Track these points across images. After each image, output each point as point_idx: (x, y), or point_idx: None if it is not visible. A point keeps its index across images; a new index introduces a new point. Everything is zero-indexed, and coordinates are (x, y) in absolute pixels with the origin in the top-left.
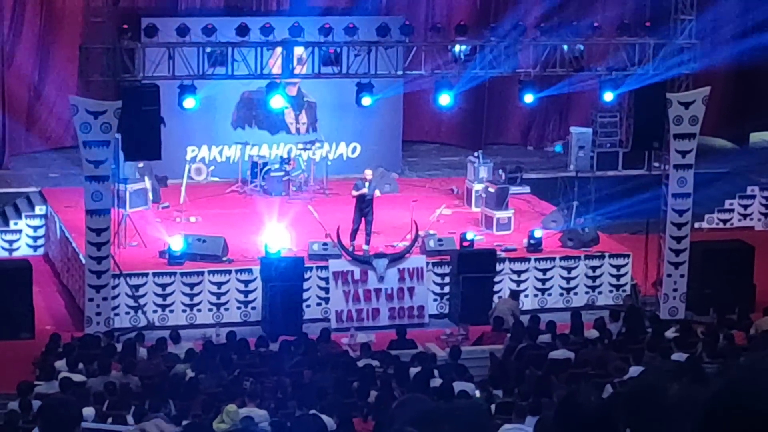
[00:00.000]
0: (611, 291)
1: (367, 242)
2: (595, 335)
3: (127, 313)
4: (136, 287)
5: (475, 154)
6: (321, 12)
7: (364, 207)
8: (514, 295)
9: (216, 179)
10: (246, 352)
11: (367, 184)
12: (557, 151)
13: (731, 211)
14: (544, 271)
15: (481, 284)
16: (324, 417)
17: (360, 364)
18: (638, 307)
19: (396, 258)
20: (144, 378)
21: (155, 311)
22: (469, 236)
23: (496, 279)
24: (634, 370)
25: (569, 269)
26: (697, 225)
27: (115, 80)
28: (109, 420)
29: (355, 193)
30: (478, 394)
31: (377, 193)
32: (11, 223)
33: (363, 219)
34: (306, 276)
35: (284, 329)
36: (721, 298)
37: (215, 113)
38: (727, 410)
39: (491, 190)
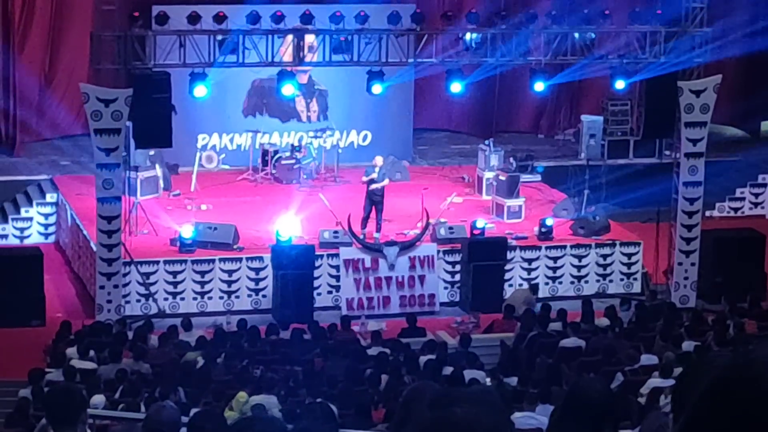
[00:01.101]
0: (622, 279)
1: (378, 230)
2: (605, 323)
3: (138, 300)
4: (147, 275)
5: (486, 142)
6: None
7: (374, 195)
8: (533, 288)
9: (227, 167)
10: (257, 339)
11: (377, 169)
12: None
13: (742, 199)
14: (555, 259)
15: (492, 272)
16: (332, 406)
17: (371, 352)
18: (658, 301)
19: (407, 246)
20: (155, 365)
21: (166, 299)
22: (479, 224)
23: (507, 267)
24: (646, 359)
25: (580, 257)
26: (708, 213)
27: (126, 68)
28: (121, 407)
29: (365, 178)
30: (488, 381)
31: (386, 181)
32: (22, 210)
33: (373, 207)
34: (317, 264)
35: (295, 317)
36: (732, 287)
37: (226, 101)
38: (723, 397)
39: (502, 178)
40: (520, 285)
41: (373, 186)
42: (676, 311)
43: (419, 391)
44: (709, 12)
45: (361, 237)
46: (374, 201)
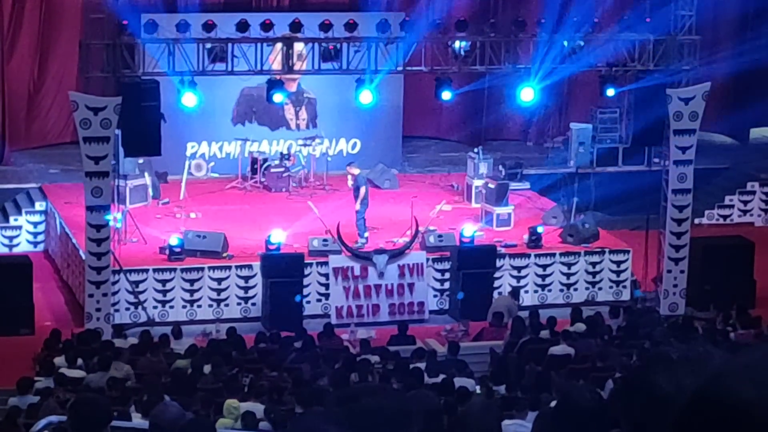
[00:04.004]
0: (611, 287)
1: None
2: (582, 329)
3: (127, 309)
4: (136, 283)
5: (475, 149)
6: (321, 8)
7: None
8: (514, 293)
9: (216, 175)
10: (245, 347)
11: (349, 177)
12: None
13: (731, 206)
14: (544, 267)
15: (481, 280)
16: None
17: (359, 360)
18: (642, 307)
19: (396, 254)
20: (143, 374)
21: (155, 307)
22: (468, 232)
23: (496, 275)
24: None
25: (569, 265)
26: (697, 221)
27: (115, 76)
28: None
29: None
30: (478, 389)
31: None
32: (11, 219)
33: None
34: (306, 272)
35: (284, 325)
36: (721, 294)
37: (215, 109)
38: (708, 407)
39: (491, 185)
40: (500, 293)
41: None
42: (665, 318)
43: (415, 400)
44: (698, 19)
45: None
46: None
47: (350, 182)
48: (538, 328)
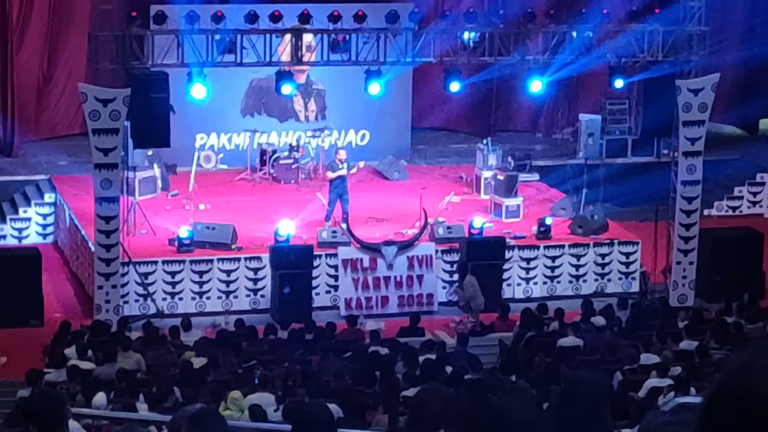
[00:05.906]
0: (620, 278)
1: (345, 220)
2: (602, 322)
3: (137, 300)
4: (146, 275)
5: (484, 141)
6: None
7: (340, 188)
8: (465, 270)
9: (225, 167)
10: (255, 339)
11: (344, 164)
12: None
13: (740, 198)
14: (553, 258)
15: (490, 272)
16: (331, 405)
17: (369, 351)
18: (651, 299)
19: (405, 245)
20: (153, 365)
21: (164, 299)
22: (478, 223)
23: (505, 267)
24: (645, 358)
25: (578, 257)
26: (706, 212)
27: (124, 68)
28: (112, 407)
29: (332, 174)
30: None
31: (355, 168)
32: (21, 210)
33: (339, 199)
34: (315, 263)
35: (293, 317)
36: (730, 285)
37: (224, 101)
38: (725, 406)
39: (500, 177)
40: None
41: (338, 174)
42: (672, 309)
43: (431, 393)
44: (707, 10)
45: (326, 228)
46: (339, 193)
47: (345, 168)
48: (542, 321)
